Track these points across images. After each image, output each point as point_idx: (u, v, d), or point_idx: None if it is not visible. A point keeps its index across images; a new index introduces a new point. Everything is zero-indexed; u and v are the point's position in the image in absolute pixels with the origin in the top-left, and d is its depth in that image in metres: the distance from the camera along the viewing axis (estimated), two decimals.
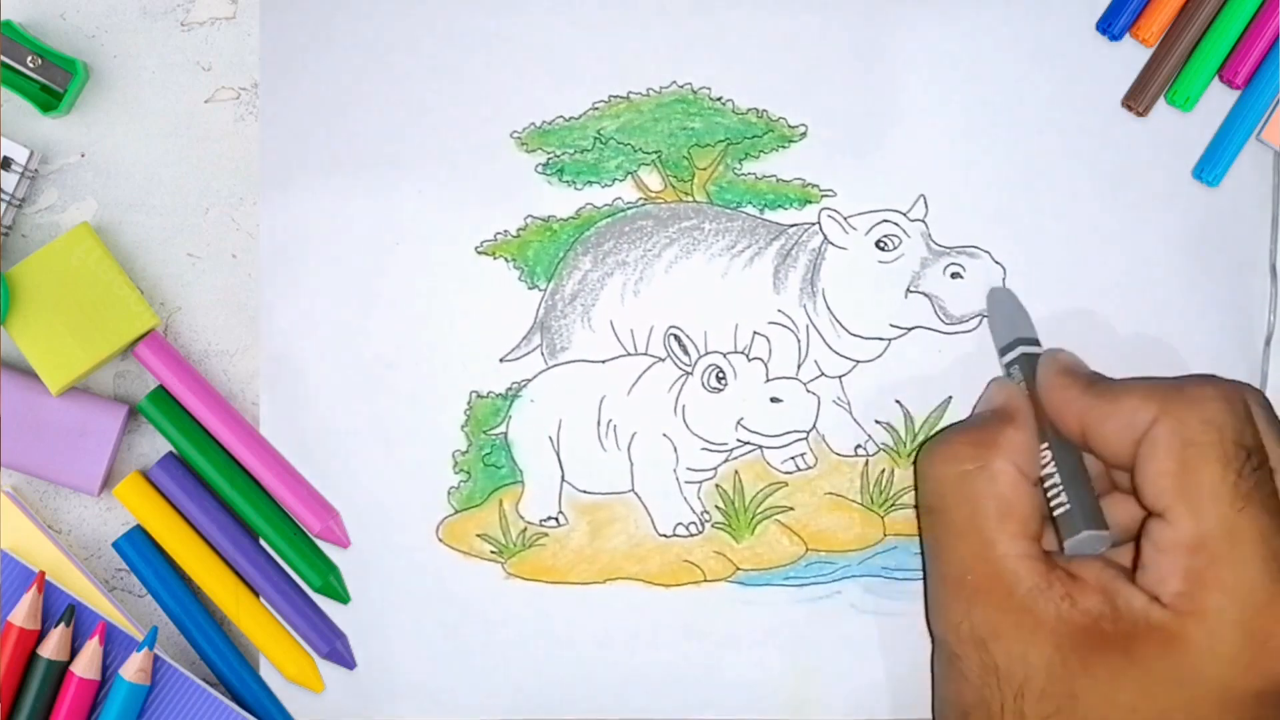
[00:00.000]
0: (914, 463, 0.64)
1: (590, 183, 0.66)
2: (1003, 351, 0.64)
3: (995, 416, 0.61)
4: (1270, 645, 0.54)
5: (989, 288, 0.66)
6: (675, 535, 0.66)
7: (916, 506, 0.64)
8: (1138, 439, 0.57)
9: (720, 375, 0.66)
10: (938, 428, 0.66)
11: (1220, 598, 0.54)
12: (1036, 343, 0.64)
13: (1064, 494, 0.59)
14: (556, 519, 0.66)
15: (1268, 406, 0.59)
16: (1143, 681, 0.54)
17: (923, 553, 0.63)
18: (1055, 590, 0.57)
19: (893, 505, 0.66)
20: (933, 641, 0.62)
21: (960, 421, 0.65)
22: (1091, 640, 0.56)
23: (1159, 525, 0.56)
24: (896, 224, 0.66)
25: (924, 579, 0.64)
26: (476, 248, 0.66)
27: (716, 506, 0.66)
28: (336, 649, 0.65)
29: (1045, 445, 0.60)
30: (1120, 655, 0.55)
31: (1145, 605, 0.55)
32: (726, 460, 0.66)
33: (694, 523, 0.66)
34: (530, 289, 0.66)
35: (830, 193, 0.66)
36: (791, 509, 0.66)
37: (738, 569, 0.66)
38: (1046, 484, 0.60)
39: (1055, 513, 0.59)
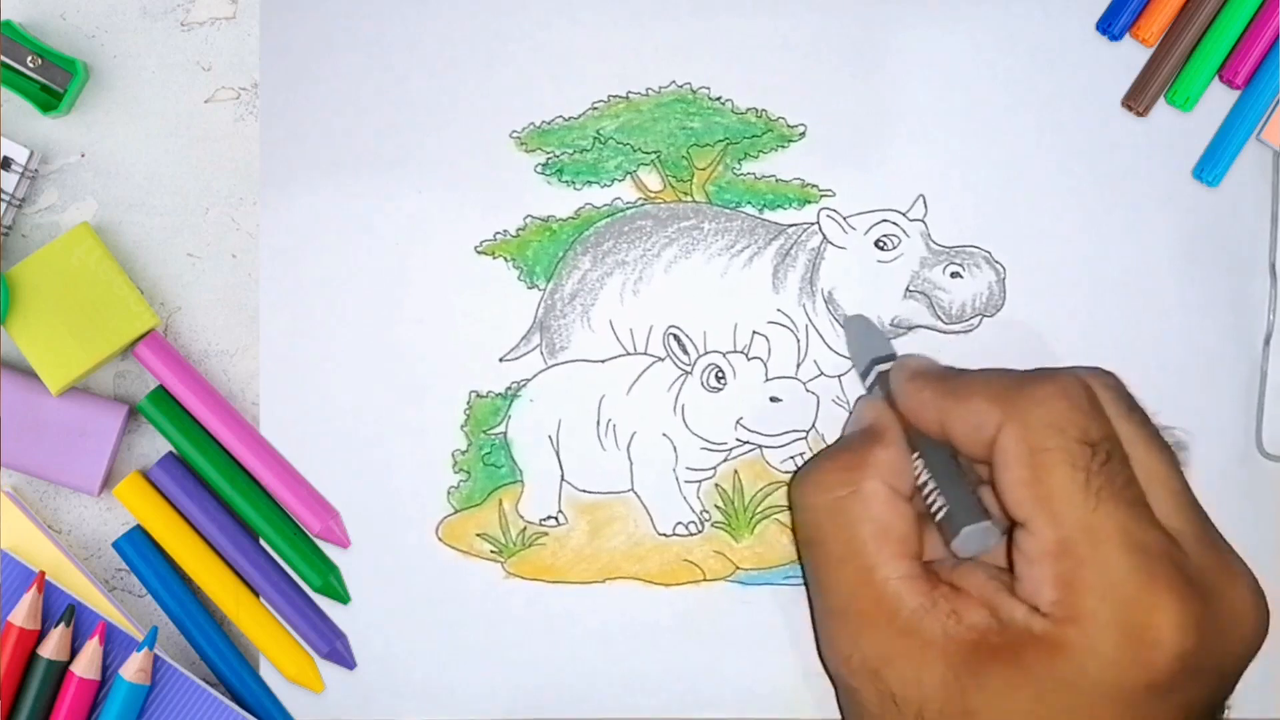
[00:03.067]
0: (788, 493, 0.63)
1: (590, 183, 0.66)
2: (864, 376, 0.64)
3: (862, 437, 0.60)
4: (1147, 637, 0.53)
5: (844, 317, 0.65)
6: (675, 535, 0.66)
7: (795, 540, 0.64)
8: (988, 441, 0.57)
9: (720, 375, 0.66)
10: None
11: (1092, 600, 0.54)
12: (894, 358, 0.64)
13: (940, 496, 0.58)
14: (556, 518, 0.66)
15: (1118, 388, 0.58)
16: (1035, 690, 0.54)
17: (807, 588, 0.63)
18: (940, 609, 0.56)
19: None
20: (830, 680, 0.61)
21: (826, 448, 0.64)
22: (981, 655, 0.55)
23: (1023, 535, 0.56)
24: (896, 224, 0.66)
25: (811, 615, 0.63)
26: (476, 247, 0.66)
27: (716, 506, 0.66)
28: (336, 649, 0.65)
29: (916, 454, 0.60)
30: (1010, 666, 0.55)
31: (1026, 616, 0.55)
32: (726, 460, 0.66)
33: (693, 522, 0.66)
34: (530, 289, 0.66)
35: (829, 192, 0.66)
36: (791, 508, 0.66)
37: (737, 568, 0.66)
38: (924, 491, 0.59)
39: (936, 517, 0.58)
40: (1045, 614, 0.55)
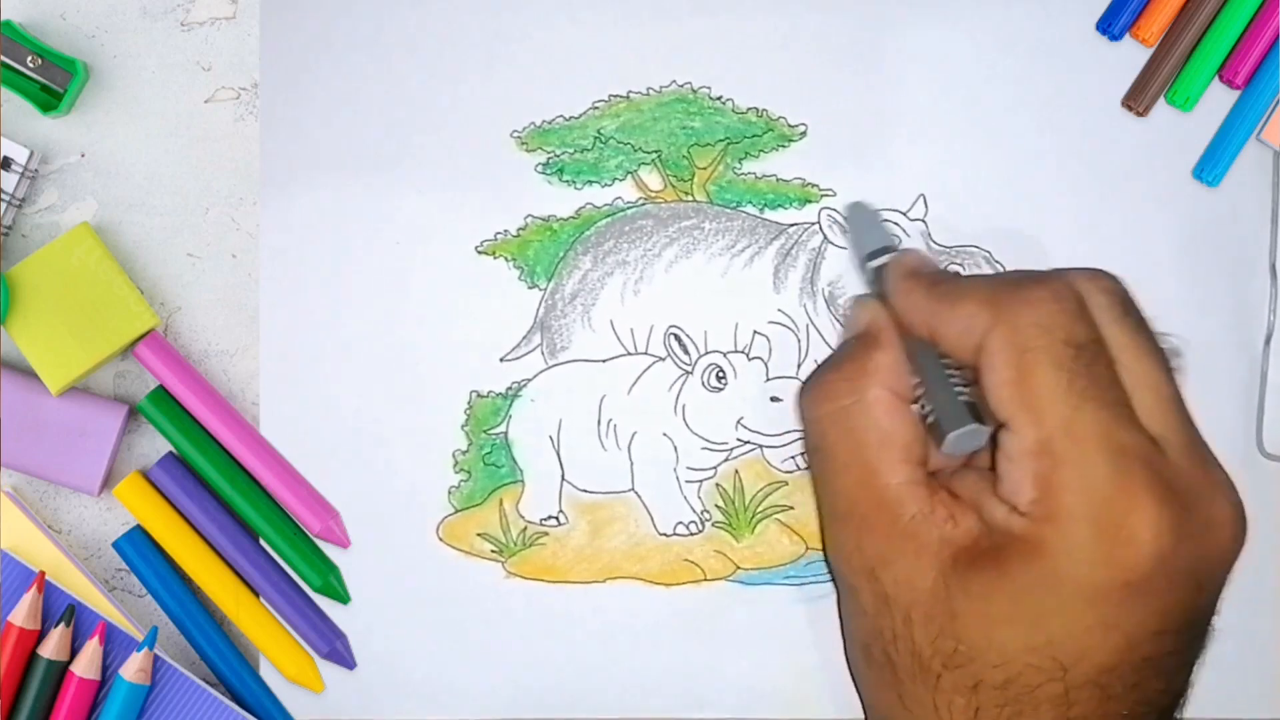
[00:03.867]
0: (797, 402, 0.64)
1: (590, 182, 0.66)
2: (860, 267, 0.64)
3: (861, 342, 0.61)
4: (1122, 535, 0.54)
5: (847, 204, 0.65)
6: (675, 534, 0.66)
7: (804, 448, 0.64)
8: (977, 345, 0.57)
9: (720, 374, 0.66)
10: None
11: (1069, 499, 0.54)
12: (891, 250, 0.63)
13: (929, 402, 0.58)
14: (557, 518, 0.66)
15: (1114, 292, 0.58)
16: (1013, 591, 0.55)
17: (814, 490, 0.63)
18: (938, 514, 0.57)
19: None
20: (833, 581, 0.62)
21: (831, 355, 0.64)
22: (968, 558, 0.56)
23: (1006, 435, 0.56)
24: (896, 224, 0.66)
25: (819, 517, 0.63)
26: (476, 247, 0.66)
27: (717, 506, 0.66)
28: (336, 649, 0.65)
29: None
30: (992, 569, 0.55)
31: (1006, 516, 0.56)
32: (727, 459, 0.66)
33: (694, 522, 0.66)
34: (530, 288, 0.66)
35: (830, 192, 0.66)
36: (792, 508, 0.66)
37: (738, 568, 0.66)
38: (917, 394, 0.59)
39: (927, 420, 0.59)
40: (1024, 513, 0.55)
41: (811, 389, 0.61)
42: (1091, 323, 0.56)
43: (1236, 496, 0.57)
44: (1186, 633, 0.56)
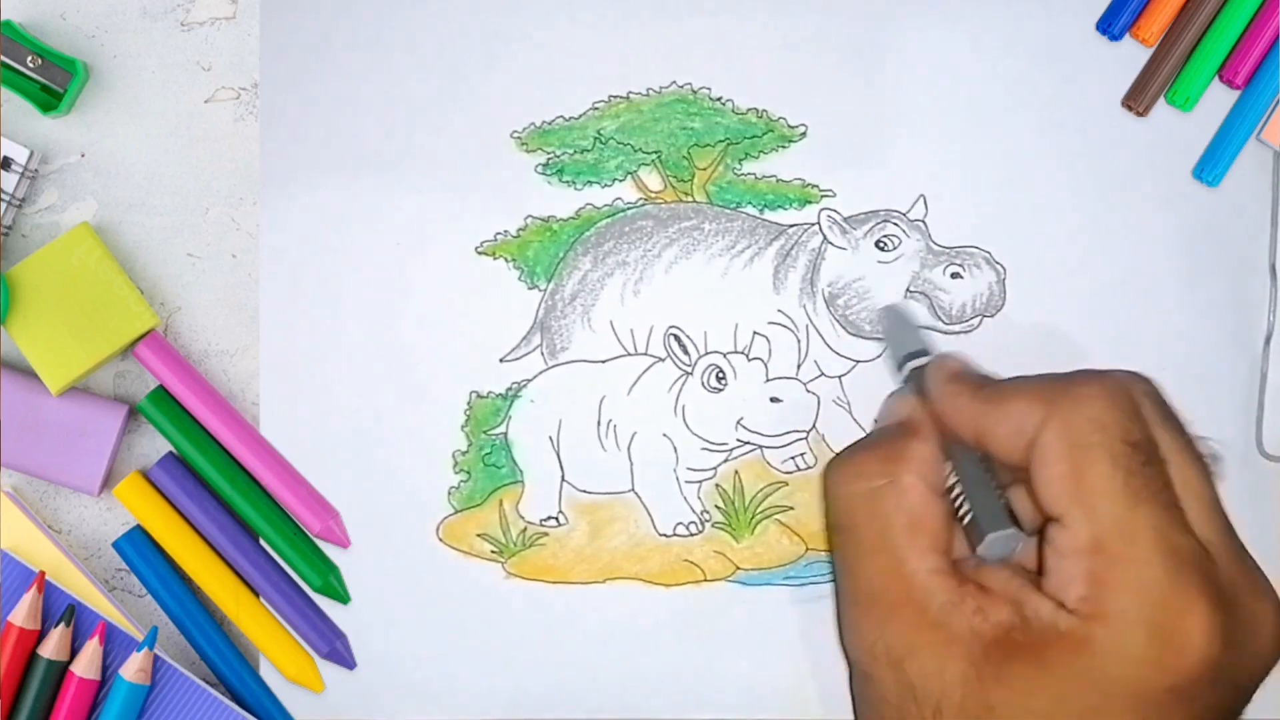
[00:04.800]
0: (822, 480, 0.63)
1: (590, 183, 0.66)
2: (898, 367, 0.64)
3: (899, 430, 0.60)
4: (1175, 641, 0.53)
5: (881, 308, 0.66)
6: (675, 535, 0.66)
7: (826, 525, 0.64)
8: (1028, 443, 0.57)
9: (720, 375, 0.66)
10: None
11: (1123, 598, 0.54)
12: (928, 353, 0.63)
13: (967, 501, 0.58)
14: (557, 519, 0.66)
15: (1156, 395, 0.58)
16: (1056, 688, 0.54)
17: (834, 574, 0.62)
18: (967, 605, 0.56)
19: None
20: (848, 665, 0.61)
21: (864, 437, 0.64)
22: (1004, 651, 0.55)
23: (1057, 530, 0.56)
24: (896, 224, 0.66)
25: (836, 601, 0.62)
26: (476, 248, 0.66)
27: (716, 506, 0.66)
28: (336, 649, 0.65)
29: (946, 458, 0.59)
30: (1033, 663, 0.55)
31: (1052, 612, 0.55)
32: (726, 460, 0.66)
33: (694, 522, 0.66)
34: (530, 289, 0.66)
35: (830, 193, 0.66)
36: (791, 509, 0.66)
37: (738, 569, 0.66)
38: (953, 494, 0.59)
39: (963, 521, 0.58)
40: (1071, 610, 0.55)
41: (842, 465, 0.60)
42: (1145, 423, 0.56)
43: (1277, 599, 0.57)
44: None
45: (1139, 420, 0.56)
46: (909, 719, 0.57)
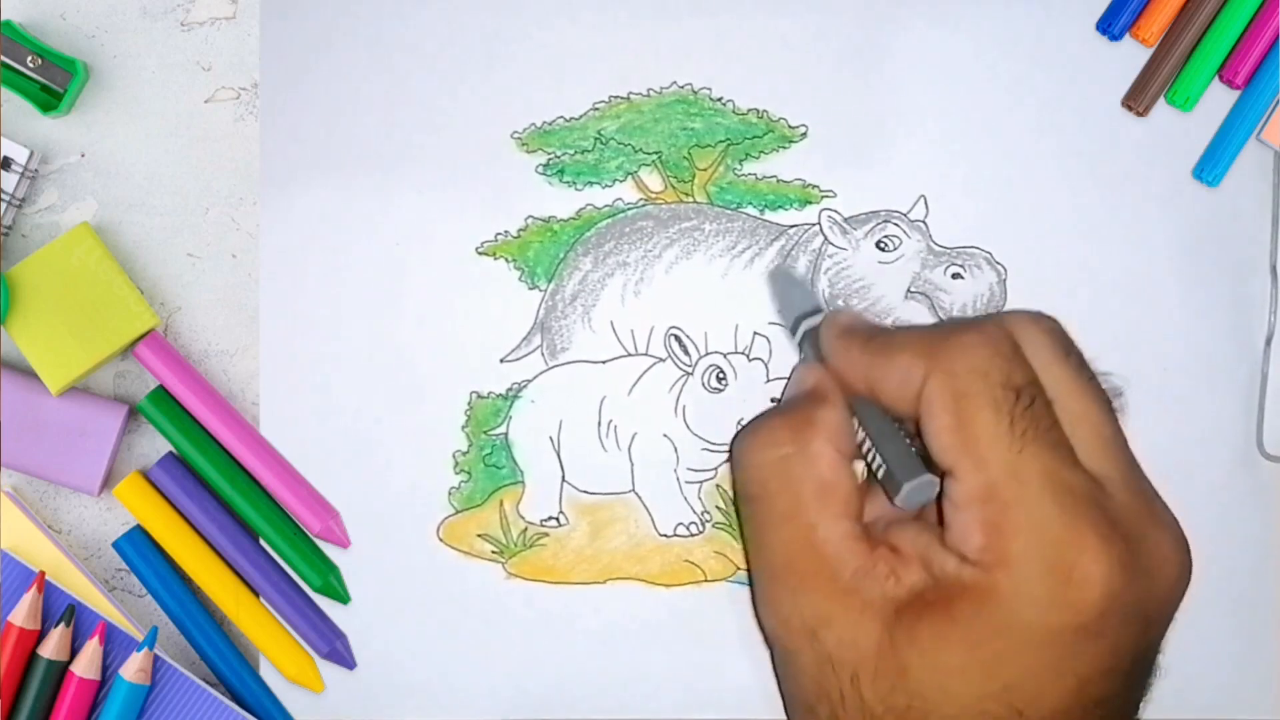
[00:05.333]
0: (729, 450, 0.63)
1: (590, 183, 0.66)
2: (791, 332, 0.64)
3: (807, 398, 0.60)
4: (1075, 579, 0.53)
5: (768, 273, 0.65)
6: (676, 535, 0.66)
7: (735, 497, 0.64)
8: (915, 394, 0.57)
9: (721, 376, 0.66)
10: None
11: (1019, 543, 0.54)
12: (820, 311, 0.63)
13: (878, 454, 0.58)
14: (557, 519, 0.66)
15: (1054, 330, 0.58)
16: (966, 640, 0.54)
17: (745, 549, 0.62)
18: (879, 570, 0.56)
19: None
20: (768, 645, 0.61)
21: (773, 407, 0.64)
22: (914, 611, 0.55)
23: (951, 482, 0.56)
24: (897, 224, 0.66)
25: (749, 579, 0.62)
26: (477, 248, 0.66)
27: (717, 506, 0.66)
28: (336, 649, 0.65)
29: (852, 413, 0.60)
30: (942, 620, 0.55)
31: (957, 566, 0.55)
32: (727, 460, 0.66)
33: (694, 523, 0.66)
34: (531, 289, 0.66)
35: (830, 193, 0.66)
36: None
37: (738, 569, 0.66)
38: (863, 449, 0.59)
39: (878, 474, 0.58)
40: (974, 561, 0.55)
41: (751, 435, 0.60)
42: (1027, 365, 0.56)
43: (1181, 533, 0.57)
44: (1135, 671, 0.56)
45: (1021, 362, 0.56)
46: (828, 688, 0.57)
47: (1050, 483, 0.54)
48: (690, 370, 0.66)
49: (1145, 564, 0.55)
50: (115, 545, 0.65)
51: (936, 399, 0.56)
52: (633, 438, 0.66)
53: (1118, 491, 0.56)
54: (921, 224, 0.66)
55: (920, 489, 0.57)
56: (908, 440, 0.58)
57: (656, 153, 0.66)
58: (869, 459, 0.59)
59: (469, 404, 0.66)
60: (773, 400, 0.66)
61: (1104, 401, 0.58)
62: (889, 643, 0.55)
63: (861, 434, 0.59)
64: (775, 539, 0.59)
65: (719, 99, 0.66)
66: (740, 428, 0.62)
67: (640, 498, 0.66)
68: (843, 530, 0.57)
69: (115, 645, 0.63)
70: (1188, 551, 0.57)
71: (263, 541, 0.65)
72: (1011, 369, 0.56)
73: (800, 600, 0.57)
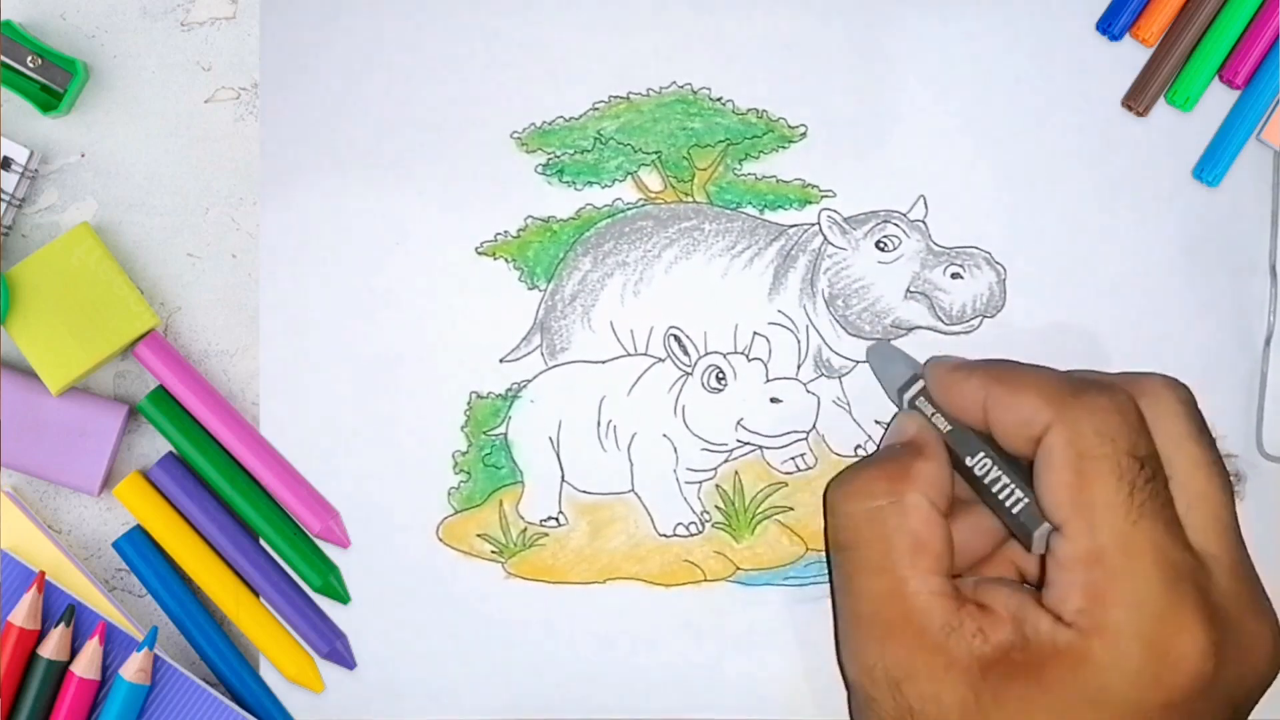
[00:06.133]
0: (824, 497, 0.63)
1: (590, 183, 0.66)
2: (900, 393, 0.63)
3: (906, 449, 0.60)
4: (1170, 658, 0.53)
5: (865, 348, 0.65)
6: (675, 535, 0.66)
7: (826, 543, 0.63)
8: (1033, 440, 0.57)
9: (720, 376, 0.66)
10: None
11: (1119, 612, 0.54)
12: (921, 377, 0.63)
13: (1016, 490, 0.58)
14: (557, 519, 0.66)
15: (1187, 401, 0.58)
16: (1054, 705, 0.54)
17: (833, 593, 0.62)
18: (967, 628, 0.56)
19: None
20: (846, 686, 0.61)
21: (870, 455, 0.64)
22: (1002, 671, 0.55)
23: (1059, 540, 0.56)
24: (897, 224, 0.66)
25: (835, 620, 0.62)
26: (476, 248, 0.66)
27: (717, 507, 0.66)
28: (336, 649, 0.65)
29: (980, 453, 0.59)
30: (1031, 682, 0.54)
31: (1051, 627, 0.55)
32: (726, 460, 0.66)
33: (694, 523, 0.66)
34: (530, 289, 0.66)
35: (830, 193, 0.66)
36: (792, 509, 0.66)
37: (738, 569, 0.66)
38: (994, 488, 0.58)
39: (1014, 510, 0.58)
40: (1070, 623, 0.54)
41: (847, 484, 0.60)
42: (1150, 438, 0.56)
43: (1275, 619, 0.57)
44: None
45: (1145, 434, 0.56)
46: None
47: (1159, 558, 0.54)
48: (690, 370, 0.66)
49: (1240, 651, 0.55)
50: (115, 545, 0.65)
51: (1058, 453, 0.56)
52: (632, 438, 0.66)
53: (1223, 576, 0.56)
54: (921, 224, 0.66)
55: (1047, 534, 0.57)
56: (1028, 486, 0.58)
57: (656, 152, 0.66)
58: (1001, 495, 0.58)
59: (469, 404, 0.66)
60: (773, 400, 0.66)
61: (1225, 484, 0.58)
62: (974, 702, 0.55)
63: (995, 471, 0.58)
64: (865, 589, 0.58)
65: (719, 99, 0.66)
66: (837, 474, 0.62)
67: (640, 498, 0.66)
68: (933, 586, 0.57)
69: (115, 645, 0.63)
70: None
71: (263, 541, 0.66)
72: (1138, 439, 0.56)
73: (886, 651, 0.57)
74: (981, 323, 0.66)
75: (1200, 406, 0.59)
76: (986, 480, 0.59)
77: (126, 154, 0.66)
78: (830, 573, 0.62)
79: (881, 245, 0.66)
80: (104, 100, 0.66)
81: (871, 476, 0.59)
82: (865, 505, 0.59)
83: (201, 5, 0.66)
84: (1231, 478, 0.59)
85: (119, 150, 0.66)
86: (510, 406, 0.66)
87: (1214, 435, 0.59)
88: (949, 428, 0.60)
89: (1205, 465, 0.57)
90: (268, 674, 0.66)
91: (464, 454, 0.66)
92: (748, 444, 0.66)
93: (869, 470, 0.60)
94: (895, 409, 0.64)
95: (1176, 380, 0.59)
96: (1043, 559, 0.57)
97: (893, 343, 0.66)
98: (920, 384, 0.62)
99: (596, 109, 0.66)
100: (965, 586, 0.58)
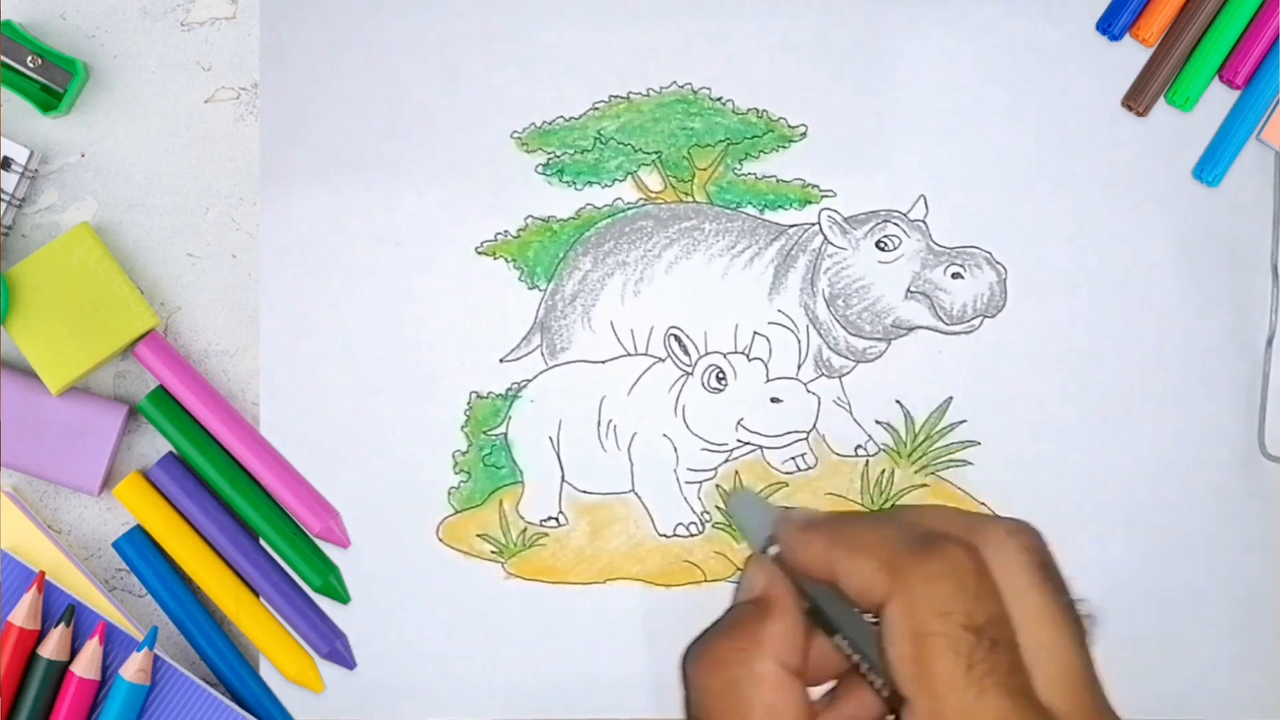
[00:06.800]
0: (681, 667, 0.63)
1: (590, 183, 0.66)
2: (764, 550, 0.62)
3: (753, 609, 0.59)
4: None
5: (731, 497, 0.64)
6: (675, 535, 0.66)
7: (687, 712, 0.63)
8: (877, 604, 0.56)
9: (720, 375, 0.66)
10: (937, 428, 0.66)
11: None
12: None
13: (878, 675, 0.57)
14: (557, 519, 0.66)
15: (1035, 548, 0.55)
16: None
17: None
18: None
19: (893, 505, 0.66)
20: None
21: (722, 616, 0.63)
22: None
23: (906, 711, 0.56)
24: (897, 224, 0.66)
25: None
26: (477, 248, 0.66)
27: (717, 507, 0.66)
28: (336, 649, 0.65)
29: (837, 635, 0.55)
30: None
31: None
32: (727, 460, 0.66)
33: (694, 523, 0.66)
34: (530, 289, 0.66)
35: (830, 193, 0.66)
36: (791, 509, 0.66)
37: (738, 569, 0.66)
38: (860, 668, 0.57)
39: (883, 693, 0.56)
40: None
41: (700, 655, 0.59)
42: (994, 596, 0.55)
43: None
44: None
45: (984, 598, 0.55)
46: None
47: None
48: (690, 370, 0.66)
49: None
50: (115, 545, 0.65)
51: (897, 628, 0.55)
52: (632, 438, 0.66)
53: None
54: (921, 224, 0.66)
55: None
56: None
57: (656, 152, 0.66)
58: (868, 677, 0.57)
59: (469, 404, 0.66)
60: (773, 400, 0.66)
61: (1077, 633, 0.57)
62: None
63: (853, 653, 0.57)
64: None
65: (719, 99, 0.66)
66: (690, 644, 0.61)
67: (640, 498, 0.66)
68: None
69: (115, 645, 0.63)
70: None
71: (263, 541, 0.65)
72: (975, 606, 0.55)
73: None
74: (982, 322, 0.66)
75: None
76: (853, 660, 0.58)
77: (126, 154, 0.66)
78: None
79: (882, 245, 0.66)
80: (104, 100, 0.66)
81: (722, 646, 0.59)
82: (719, 679, 0.58)
83: (201, 5, 0.66)
84: (1084, 621, 0.57)
85: (119, 150, 0.66)
86: (510, 406, 0.66)
87: (1063, 579, 0.57)
88: (813, 590, 0.59)
89: (1050, 617, 0.56)
90: (268, 674, 0.66)
91: (464, 454, 0.66)
92: (748, 444, 0.66)
93: (719, 639, 0.59)
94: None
95: (1022, 524, 0.58)
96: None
97: (756, 492, 0.65)
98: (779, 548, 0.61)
99: (596, 109, 0.66)
100: None
